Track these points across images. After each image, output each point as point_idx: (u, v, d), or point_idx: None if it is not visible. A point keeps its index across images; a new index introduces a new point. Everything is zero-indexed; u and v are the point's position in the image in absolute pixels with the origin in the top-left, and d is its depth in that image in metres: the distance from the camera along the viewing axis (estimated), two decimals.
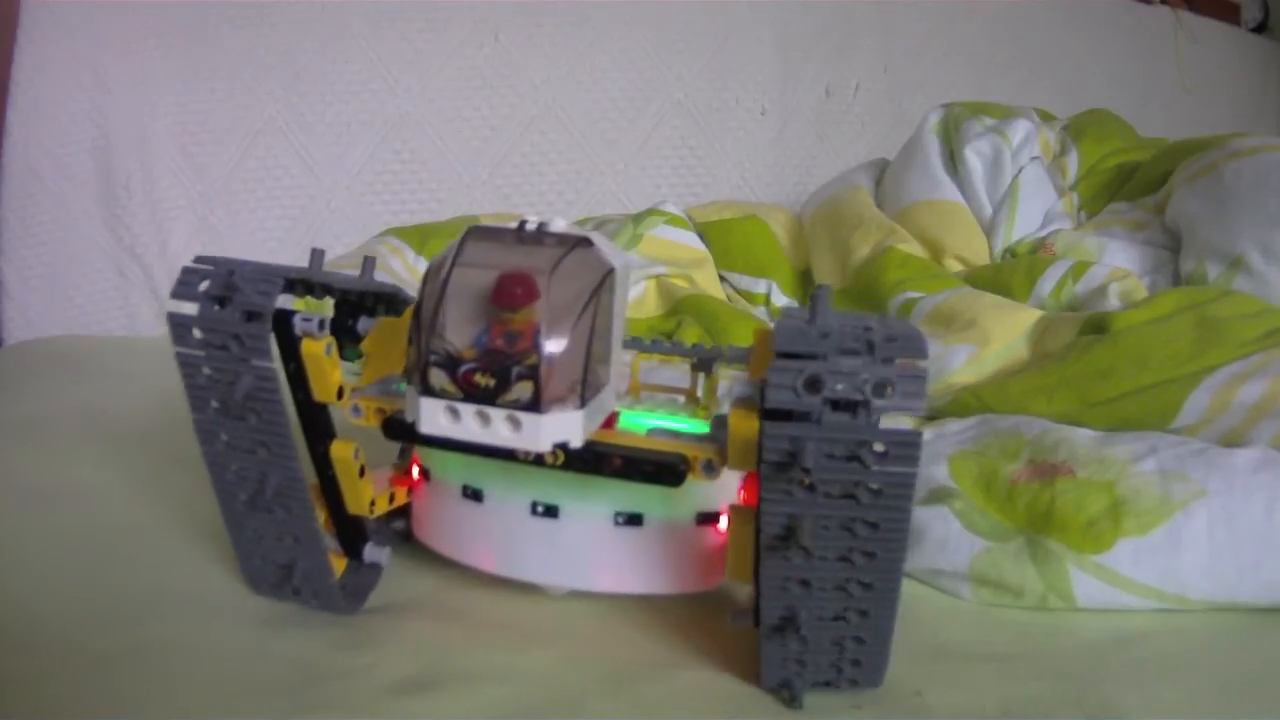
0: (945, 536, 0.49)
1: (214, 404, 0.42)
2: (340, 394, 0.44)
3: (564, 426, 0.38)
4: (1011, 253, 0.96)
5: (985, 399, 0.66)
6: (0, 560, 0.50)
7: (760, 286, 1.01)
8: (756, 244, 1.03)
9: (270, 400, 0.41)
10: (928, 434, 0.62)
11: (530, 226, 0.40)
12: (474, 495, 0.46)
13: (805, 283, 1.02)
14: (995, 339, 0.74)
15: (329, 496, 0.47)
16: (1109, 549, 0.47)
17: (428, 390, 0.37)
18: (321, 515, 0.46)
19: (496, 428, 0.37)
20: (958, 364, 0.72)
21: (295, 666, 0.42)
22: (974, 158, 0.98)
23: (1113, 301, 0.77)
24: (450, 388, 0.37)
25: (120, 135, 1.05)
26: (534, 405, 0.36)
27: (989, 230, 0.97)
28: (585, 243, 0.39)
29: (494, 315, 0.37)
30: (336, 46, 1.14)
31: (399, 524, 0.52)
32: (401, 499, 0.50)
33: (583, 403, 0.38)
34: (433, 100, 1.18)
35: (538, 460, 0.39)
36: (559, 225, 0.40)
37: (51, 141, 1.03)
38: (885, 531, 0.35)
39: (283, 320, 0.43)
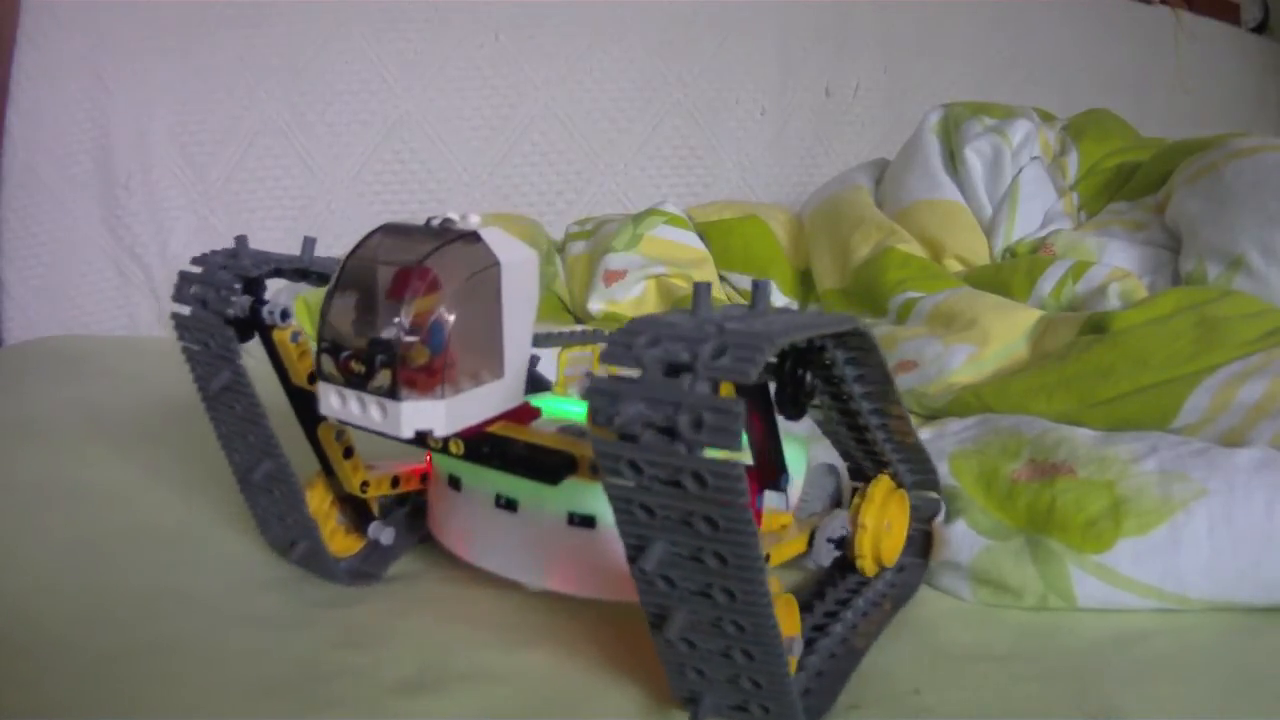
0: (946, 534, 0.49)
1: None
2: (313, 378, 0.45)
3: (426, 415, 0.39)
4: (1011, 253, 0.96)
5: (985, 399, 0.66)
6: (0, 560, 0.50)
7: None
8: (756, 244, 1.03)
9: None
10: (928, 434, 0.62)
11: (435, 222, 0.41)
12: (454, 484, 0.48)
13: (805, 283, 1.02)
14: (995, 339, 0.74)
15: (332, 477, 0.49)
16: (1109, 548, 0.47)
17: (321, 374, 0.40)
18: (329, 498, 0.49)
19: (370, 412, 0.39)
20: (957, 364, 0.72)
21: (296, 666, 0.42)
22: (974, 158, 0.98)
23: (1113, 301, 0.77)
24: (335, 373, 0.39)
25: (120, 135, 1.05)
26: (393, 392, 0.38)
27: (989, 230, 0.97)
28: (471, 237, 0.40)
29: (393, 307, 0.38)
30: (336, 46, 1.14)
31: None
32: (409, 485, 0.51)
33: (446, 393, 0.39)
34: (433, 100, 1.18)
35: (444, 449, 0.41)
36: (472, 221, 0.41)
37: (51, 141, 1.03)
38: (727, 531, 0.33)
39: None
